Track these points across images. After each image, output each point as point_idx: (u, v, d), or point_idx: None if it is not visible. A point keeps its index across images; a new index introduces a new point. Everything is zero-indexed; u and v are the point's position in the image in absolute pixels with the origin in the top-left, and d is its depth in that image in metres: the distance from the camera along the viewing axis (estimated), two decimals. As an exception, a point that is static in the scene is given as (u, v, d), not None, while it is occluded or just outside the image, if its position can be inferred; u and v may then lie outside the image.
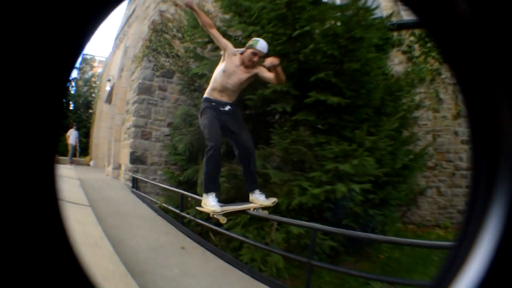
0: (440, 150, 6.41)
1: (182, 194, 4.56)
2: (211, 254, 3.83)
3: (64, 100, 0.54)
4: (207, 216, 3.57)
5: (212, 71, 3.31)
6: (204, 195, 3.14)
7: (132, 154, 6.88)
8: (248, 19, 4.26)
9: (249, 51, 3.01)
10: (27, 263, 0.43)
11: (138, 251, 3.54)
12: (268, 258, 3.59)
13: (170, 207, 5.04)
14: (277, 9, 3.68)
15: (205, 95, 3.22)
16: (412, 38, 7.14)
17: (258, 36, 3.40)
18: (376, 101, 4.17)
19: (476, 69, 0.46)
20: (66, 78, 0.46)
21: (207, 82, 3.33)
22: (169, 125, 6.95)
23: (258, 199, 3.27)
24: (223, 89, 3.11)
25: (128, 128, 7.45)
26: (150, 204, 5.69)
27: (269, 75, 3.01)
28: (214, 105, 3.12)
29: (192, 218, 4.31)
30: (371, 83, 4.17)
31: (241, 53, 3.06)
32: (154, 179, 6.69)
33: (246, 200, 3.33)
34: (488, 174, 0.47)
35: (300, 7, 3.66)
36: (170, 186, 5.66)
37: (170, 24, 7.41)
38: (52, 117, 0.44)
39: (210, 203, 3.07)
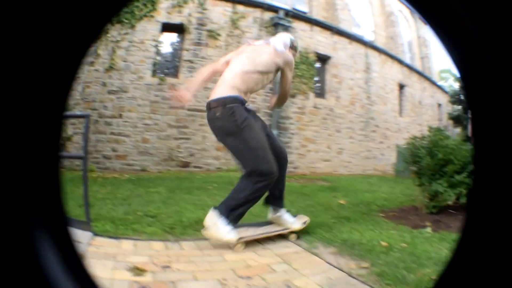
0: (87, 99, 7.16)
1: None
2: None
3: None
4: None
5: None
6: (217, 217, 2.24)
7: None
8: None
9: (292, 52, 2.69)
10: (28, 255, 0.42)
11: None
12: None
13: None
14: None
15: (232, 94, 2.35)
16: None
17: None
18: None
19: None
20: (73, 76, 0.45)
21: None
22: None
23: (286, 221, 2.58)
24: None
25: None
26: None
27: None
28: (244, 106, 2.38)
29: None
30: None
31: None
32: None
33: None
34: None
35: None
36: None
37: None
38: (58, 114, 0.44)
39: (223, 229, 2.22)
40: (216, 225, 2.23)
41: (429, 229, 3.47)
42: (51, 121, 0.46)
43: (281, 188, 2.63)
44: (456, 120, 11.38)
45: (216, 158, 7.26)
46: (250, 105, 2.43)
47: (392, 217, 3.72)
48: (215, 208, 2.30)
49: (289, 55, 2.65)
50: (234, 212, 2.28)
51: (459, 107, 11.21)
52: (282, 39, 2.69)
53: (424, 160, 3.56)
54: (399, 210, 4.18)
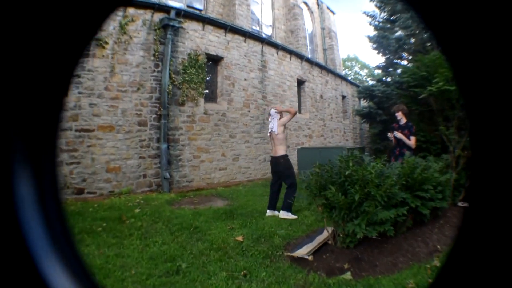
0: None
1: None
2: None
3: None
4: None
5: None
6: (285, 212, 4.66)
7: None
8: None
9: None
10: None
11: None
12: None
13: None
14: None
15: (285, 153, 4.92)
16: None
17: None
18: None
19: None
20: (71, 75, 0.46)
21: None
22: None
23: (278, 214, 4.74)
24: None
25: None
26: None
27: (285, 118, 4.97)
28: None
29: None
30: None
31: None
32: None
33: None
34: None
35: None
36: None
37: None
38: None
39: (290, 215, 4.60)
40: (288, 215, 4.56)
41: (349, 275, 2.73)
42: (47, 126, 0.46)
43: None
44: (367, 116, 11.48)
45: (107, 181, 6.39)
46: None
47: (300, 260, 2.92)
48: (282, 209, 4.65)
49: (279, 121, 4.91)
50: (290, 206, 4.60)
51: (370, 103, 11.24)
52: (274, 115, 4.98)
53: (335, 198, 2.82)
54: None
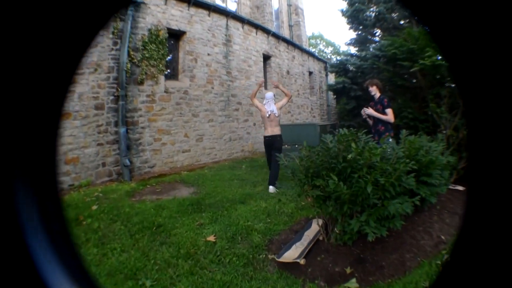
0: None
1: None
2: None
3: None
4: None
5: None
6: (272, 187, 5.02)
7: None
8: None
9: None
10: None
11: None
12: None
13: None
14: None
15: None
16: None
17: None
18: None
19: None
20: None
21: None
22: None
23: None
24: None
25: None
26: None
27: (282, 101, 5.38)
28: None
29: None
30: None
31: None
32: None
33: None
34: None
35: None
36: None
37: None
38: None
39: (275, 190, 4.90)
40: (274, 189, 4.87)
41: (354, 282, 2.23)
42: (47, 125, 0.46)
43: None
44: (340, 92, 11.11)
45: (66, 173, 5.65)
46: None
47: (290, 265, 2.38)
48: (269, 184, 4.97)
49: (277, 105, 5.33)
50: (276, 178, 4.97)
51: (343, 78, 10.88)
52: (270, 99, 5.34)
53: (338, 189, 2.22)
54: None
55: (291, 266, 2.45)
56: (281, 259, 2.43)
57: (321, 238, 2.80)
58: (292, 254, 2.47)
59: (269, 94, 5.35)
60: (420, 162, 2.64)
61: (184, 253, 2.80)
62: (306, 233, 2.86)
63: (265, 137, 5.23)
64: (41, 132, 0.45)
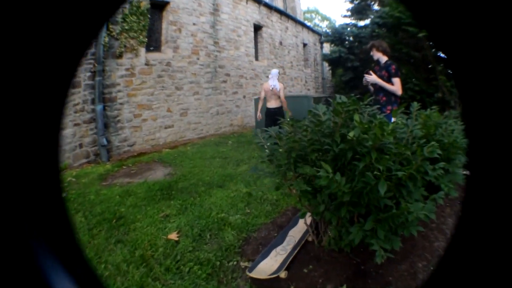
0: None
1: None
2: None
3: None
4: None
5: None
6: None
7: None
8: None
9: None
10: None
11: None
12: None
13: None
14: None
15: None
16: None
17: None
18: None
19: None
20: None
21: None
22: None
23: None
24: None
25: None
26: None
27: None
28: None
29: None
30: None
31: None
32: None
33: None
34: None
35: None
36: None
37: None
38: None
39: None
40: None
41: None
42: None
43: None
44: (335, 62, 10.33)
45: None
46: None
47: (272, 281, 1.82)
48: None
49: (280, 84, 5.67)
50: None
51: (340, 47, 10.08)
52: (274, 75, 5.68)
53: (335, 186, 1.56)
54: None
55: (269, 279, 1.87)
56: (254, 274, 1.83)
57: (310, 239, 2.21)
58: (269, 265, 1.88)
59: (275, 70, 5.80)
60: (441, 144, 2.01)
61: (138, 256, 2.24)
62: (290, 233, 2.27)
63: (269, 108, 5.57)
64: (41, 134, 0.42)
